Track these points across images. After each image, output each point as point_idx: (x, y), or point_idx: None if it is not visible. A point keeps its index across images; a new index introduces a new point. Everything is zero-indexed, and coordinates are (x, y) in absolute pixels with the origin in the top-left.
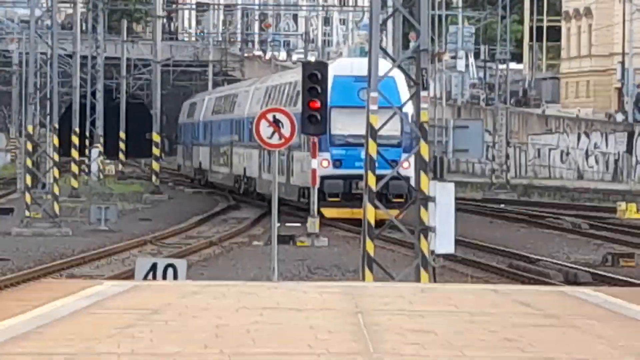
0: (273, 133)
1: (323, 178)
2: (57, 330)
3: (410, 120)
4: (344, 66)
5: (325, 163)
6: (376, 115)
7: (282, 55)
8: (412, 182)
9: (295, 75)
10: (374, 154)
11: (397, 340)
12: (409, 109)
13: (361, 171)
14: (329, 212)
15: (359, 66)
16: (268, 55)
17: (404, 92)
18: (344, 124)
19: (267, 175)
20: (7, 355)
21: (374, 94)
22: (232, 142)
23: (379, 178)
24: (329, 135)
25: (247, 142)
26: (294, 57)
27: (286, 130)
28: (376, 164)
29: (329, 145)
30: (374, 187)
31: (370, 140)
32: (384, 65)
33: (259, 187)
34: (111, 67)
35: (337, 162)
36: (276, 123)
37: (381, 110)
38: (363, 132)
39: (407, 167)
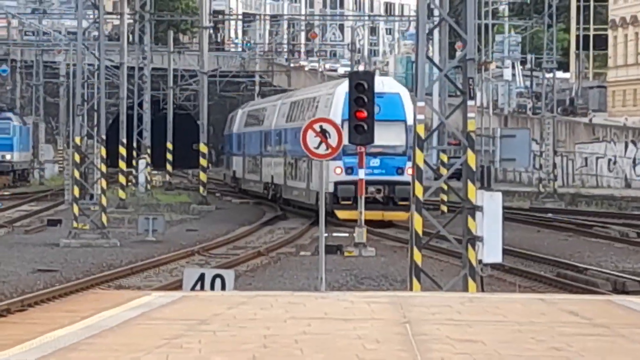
0: (320, 143)
1: (337, 184)
2: (105, 341)
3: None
4: None
5: (338, 170)
6: (422, 125)
7: (329, 65)
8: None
9: (316, 91)
10: (421, 164)
11: (445, 350)
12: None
13: (371, 177)
14: (342, 214)
15: None
16: (315, 65)
17: (409, 107)
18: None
19: (291, 182)
20: None
21: (421, 104)
22: (261, 152)
23: (385, 183)
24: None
25: (274, 152)
26: (340, 69)
27: (333, 140)
28: (408, 172)
29: (342, 154)
30: (421, 197)
31: (417, 150)
32: (389, 81)
33: (284, 193)
34: (158, 78)
35: (349, 170)
36: (323, 133)
37: (387, 123)
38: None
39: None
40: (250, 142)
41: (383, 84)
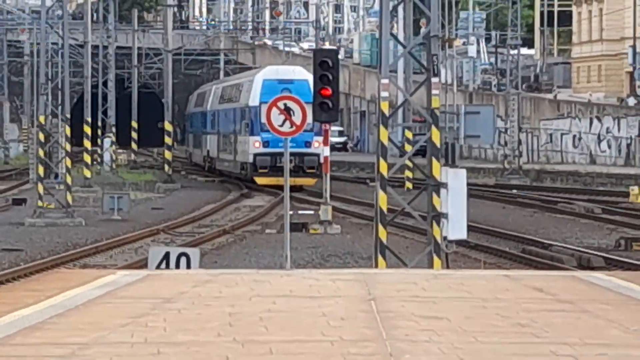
0: (284, 121)
1: (255, 155)
2: (70, 320)
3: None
4: (271, 72)
5: (257, 144)
6: (386, 102)
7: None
8: (321, 158)
9: (241, 78)
10: (385, 141)
11: (410, 327)
12: None
13: (283, 150)
14: (260, 180)
15: (283, 72)
16: (279, 43)
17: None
18: None
19: (222, 155)
20: (21, 346)
21: (384, 81)
22: (202, 131)
23: (296, 155)
24: (259, 123)
25: (210, 130)
26: (305, 45)
27: (297, 118)
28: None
29: (259, 131)
30: (385, 174)
31: (381, 127)
32: (299, 70)
33: (217, 165)
34: (123, 56)
35: (266, 143)
36: (287, 111)
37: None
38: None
39: (317, 146)
40: (197, 122)
41: (294, 72)
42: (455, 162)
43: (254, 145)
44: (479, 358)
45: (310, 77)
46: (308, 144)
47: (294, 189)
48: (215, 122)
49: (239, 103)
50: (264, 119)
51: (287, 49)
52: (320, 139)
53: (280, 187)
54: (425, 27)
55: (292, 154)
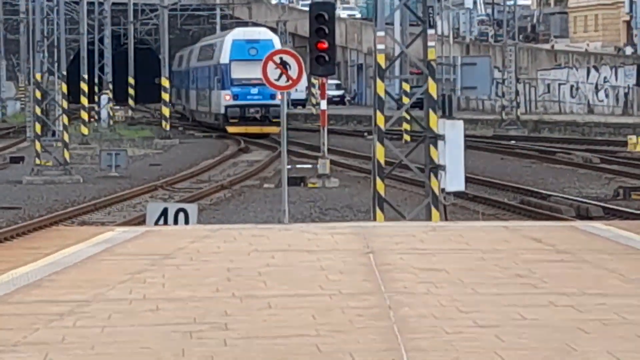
0: (280, 75)
1: (227, 107)
2: (68, 277)
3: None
4: (240, 33)
5: (227, 97)
6: (383, 55)
7: None
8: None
9: (215, 38)
10: (382, 94)
11: (409, 279)
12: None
13: (251, 102)
14: (231, 129)
15: (250, 32)
16: None
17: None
18: (239, 71)
19: (200, 107)
20: (20, 304)
21: (380, 33)
22: (184, 86)
23: (262, 106)
24: (230, 78)
25: (191, 86)
26: None
27: (293, 72)
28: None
29: (230, 85)
30: (383, 126)
31: (378, 80)
32: (265, 30)
33: (196, 116)
34: (118, 12)
35: (236, 96)
36: (283, 65)
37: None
38: (252, 75)
39: (281, 98)
40: (180, 78)
41: (260, 33)
42: (453, 113)
43: (224, 98)
44: (478, 309)
45: (274, 37)
46: (273, 97)
47: (261, 136)
48: (193, 78)
49: (213, 61)
50: (234, 75)
51: (282, 1)
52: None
53: (249, 135)
54: None
55: (259, 106)
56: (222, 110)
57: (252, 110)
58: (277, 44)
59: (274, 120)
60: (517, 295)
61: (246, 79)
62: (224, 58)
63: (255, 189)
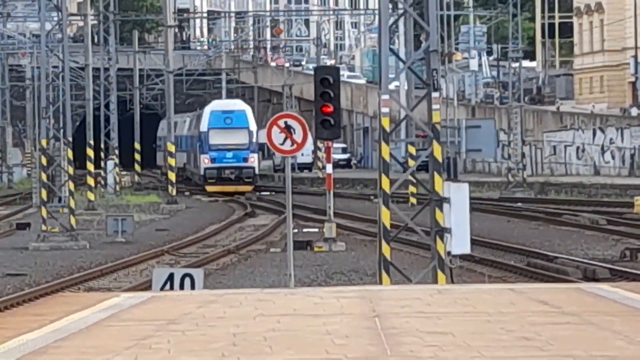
0: (285, 139)
1: (205, 169)
2: (74, 343)
3: (254, 138)
4: (217, 105)
5: (206, 160)
6: (387, 118)
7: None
8: (256, 170)
9: (200, 111)
10: (387, 157)
11: (415, 343)
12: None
13: (226, 164)
14: (209, 188)
15: (225, 104)
16: (281, 62)
17: (251, 119)
18: (216, 138)
19: (188, 167)
20: None
21: (385, 97)
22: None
23: (236, 168)
24: (208, 144)
25: (183, 149)
26: (305, 64)
27: (298, 136)
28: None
29: (208, 149)
30: (388, 190)
31: (383, 143)
32: (239, 102)
33: (188, 174)
34: (124, 78)
35: (213, 160)
36: (288, 129)
37: (238, 129)
38: (227, 142)
39: (252, 161)
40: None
41: (235, 104)
42: (458, 176)
43: (204, 161)
44: None
45: (247, 108)
46: (245, 159)
47: (236, 194)
48: (186, 143)
49: (197, 130)
50: (211, 141)
51: (287, 66)
52: (255, 155)
53: (225, 193)
54: (425, 41)
55: (233, 168)
56: (202, 172)
57: (227, 171)
58: (250, 115)
59: (247, 180)
60: (523, 358)
61: (222, 145)
62: (204, 127)
63: (261, 254)
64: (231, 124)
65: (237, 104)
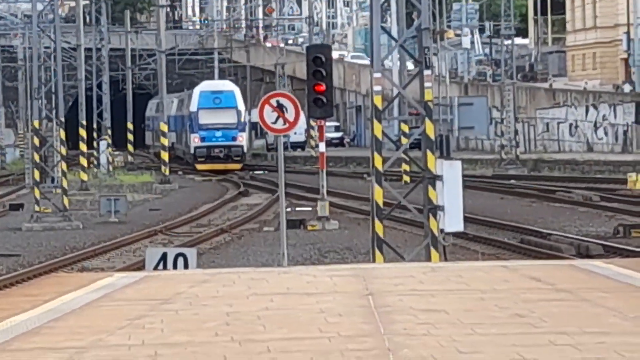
0: (277, 118)
1: (195, 148)
2: (67, 324)
3: (242, 118)
4: (206, 85)
5: (196, 140)
6: (380, 96)
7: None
8: (245, 149)
9: (188, 92)
10: (379, 135)
11: (408, 321)
12: (242, 108)
13: (216, 143)
14: (199, 166)
15: (215, 85)
16: (272, 39)
17: (240, 99)
18: (205, 117)
19: (178, 145)
20: (18, 351)
21: (377, 75)
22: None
23: (225, 147)
24: (198, 123)
25: (171, 129)
26: (299, 40)
27: (290, 115)
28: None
29: (198, 129)
30: (381, 168)
31: (375, 122)
32: (228, 83)
33: (176, 152)
34: (116, 58)
35: (203, 139)
36: (280, 108)
37: (226, 109)
38: (216, 121)
39: (241, 140)
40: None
41: (224, 85)
42: (451, 154)
43: (194, 140)
44: (478, 350)
45: (236, 88)
46: (234, 138)
47: (225, 172)
48: (175, 123)
49: (187, 110)
50: (201, 121)
51: (280, 44)
52: (244, 134)
53: (217, 172)
54: (417, 19)
55: (222, 147)
56: (192, 151)
57: (216, 150)
58: (238, 95)
59: (235, 158)
60: (517, 335)
61: (212, 124)
62: (193, 107)
63: (254, 233)
64: (220, 104)
65: (226, 85)
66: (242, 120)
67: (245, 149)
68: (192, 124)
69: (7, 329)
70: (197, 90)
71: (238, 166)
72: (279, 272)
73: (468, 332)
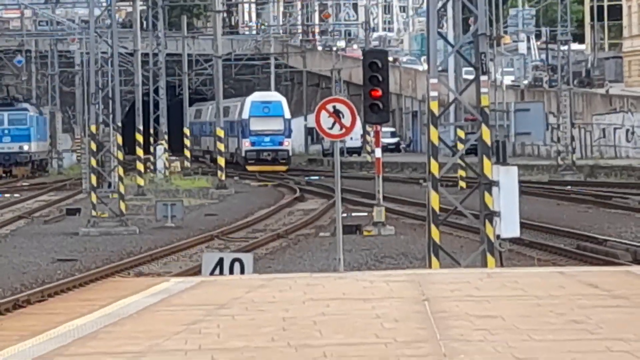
0: (334, 123)
1: (247, 151)
2: (124, 328)
3: (289, 124)
4: (257, 96)
5: (247, 144)
6: (436, 102)
7: (342, 44)
8: (290, 153)
9: (236, 101)
10: (435, 140)
11: (464, 327)
12: (288, 116)
13: (265, 147)
14: (250, 168)
15: (264, 95)
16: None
17: (286, 108)
18: (256, 124)
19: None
20: (76, 356)
21: (433, 81)
22: (201, 134)
23: (273, 151)
24: (249, 129)
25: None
26: (355, 46)
27: (346, 120)
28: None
29: (249, 135)
30: (437, 173)
31: (431, 127)
32: (275, 94)
33: (213, 156)
34: (173, 63)
35: (253, 143)
36: (336, 113)
37: (275, 117)
38: (266, 128)
39: (287, 145)
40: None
41: (272, 96)
42: (507, 159)
43: (245, 144)
44: (534, 356)
45: (283, 99)
46: (280, 143)
47: (273, 172)
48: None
49: (236, 117)
50: (252, 127)
51: (336, 49)
52: (289, 140)
53: (263, 172)
54: (474, 25)
55: (270, 150)
56: (243, 154)
57: (265, 153)
58: (285, 105)
59: (282, 161)
60: (573, 341)
61: (261, 130)
62: (245, 115)
63: (310, 238)
64: (269, 112)
65: (274, 95)
66: (288, 127)
67: (290, 153)
68: (243, 130)
69: (64, 333)
70: (248, 100)
71: (284, 168)
72: (335, 277)
73: (524, 338)
